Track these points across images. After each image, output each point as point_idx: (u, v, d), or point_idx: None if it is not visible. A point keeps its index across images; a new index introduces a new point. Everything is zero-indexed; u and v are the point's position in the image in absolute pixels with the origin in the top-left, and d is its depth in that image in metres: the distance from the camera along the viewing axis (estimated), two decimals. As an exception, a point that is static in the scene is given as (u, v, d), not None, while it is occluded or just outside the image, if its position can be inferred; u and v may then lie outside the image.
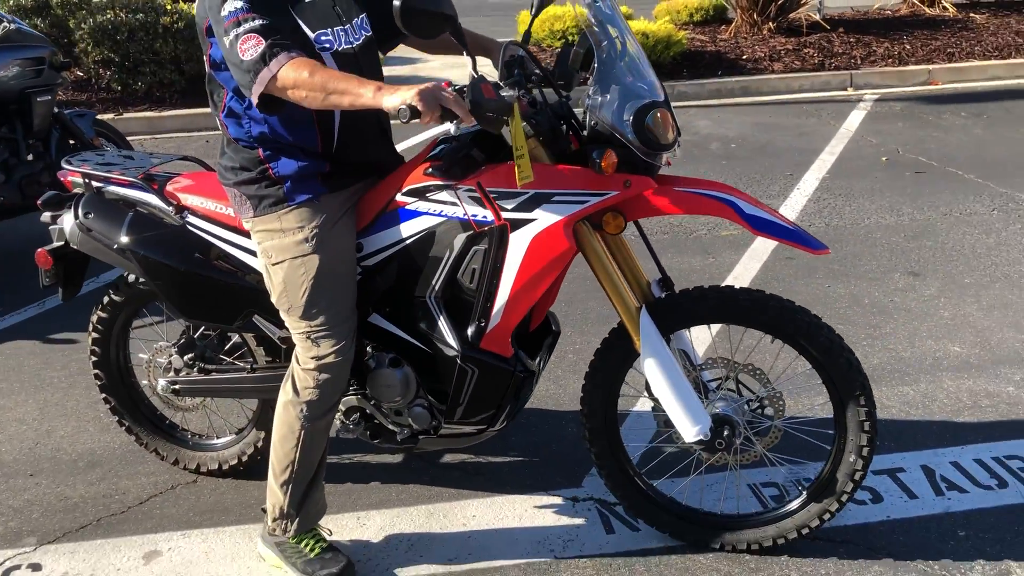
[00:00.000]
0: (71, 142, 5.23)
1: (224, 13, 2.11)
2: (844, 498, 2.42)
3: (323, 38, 2.26)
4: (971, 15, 10.57)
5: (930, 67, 9.00)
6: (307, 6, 2.27)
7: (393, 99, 2.03)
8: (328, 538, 2.55)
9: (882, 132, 7.17)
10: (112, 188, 2.75)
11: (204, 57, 2.34)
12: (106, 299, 2.87)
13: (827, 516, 2.45)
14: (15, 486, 2.97)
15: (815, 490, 2.46)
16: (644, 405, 2.97)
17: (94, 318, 2.90)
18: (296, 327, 2.38)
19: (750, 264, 4.59)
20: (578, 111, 2.34)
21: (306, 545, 2.49)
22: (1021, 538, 2.57)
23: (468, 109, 2.05)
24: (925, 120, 7.54)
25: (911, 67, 9.02)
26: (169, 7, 8.31)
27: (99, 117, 5.75)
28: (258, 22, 2.09)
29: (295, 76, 2.05)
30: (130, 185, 2.73)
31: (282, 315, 2.42)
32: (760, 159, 6.54)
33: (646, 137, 2.20)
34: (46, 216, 2.93)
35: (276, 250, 2.36)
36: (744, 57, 9.20)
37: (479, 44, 2.58)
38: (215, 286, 2.59)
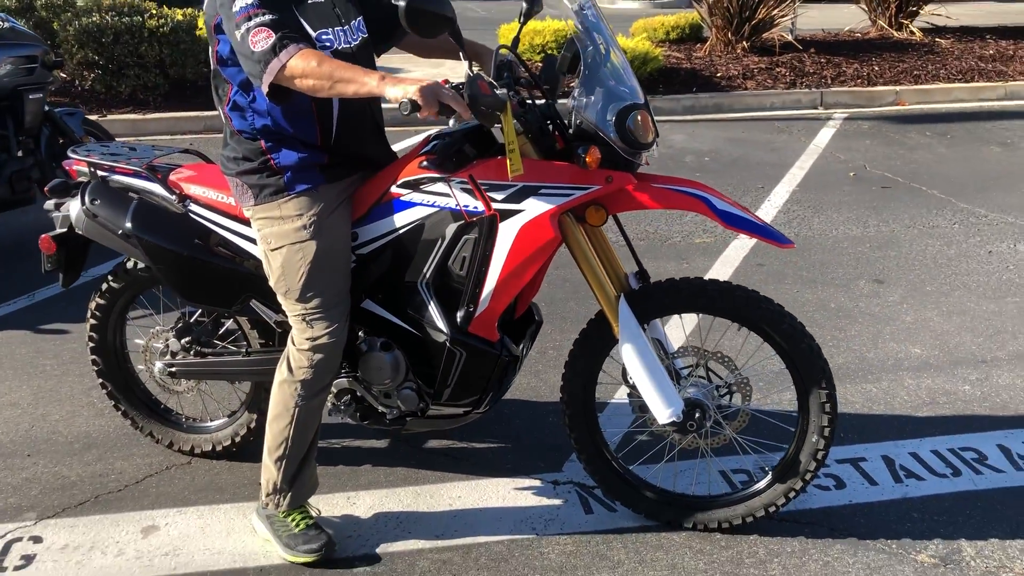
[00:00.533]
0: (60, 140, 5.31)
1: (236, 9, 2.25)
2: (808, 476, 2.58)
3: (324, 37, 2.41)
4: (936, 40, 10.91)
5: (897, 88, 9.29)
6: (309, 6, 2.41)
7: (395, 90, 2.18)
8: (315, 516, 2.67)
9: (850, 149, 7.41)
10: (117, 177, 2.86)
11: (211, 54, 2.47)
12: (104, 286, 2.98)
13: (792, 495, 2.61)
14: (12, 465, 3.06)
15: (780, 470, 2.62)
16: (620, 395, 3.12)
17: (92, 304, 3.00)
18: (292, 309, 2.51)
19: (722, 270, 4.77)
20: (563, 112, 2.50)
21: (293, 520, 2.61)
22: (972, 520, 2.75)
23: (466, 104, 2.19)
24: (891, 138, 7.80)
25: (879, 88, 9.31)
26: (155, 11, 8.39)
27: (88, 116, 5.83)
28: (268, 17, 2.23)
29: (303, 65, 2.19)
30: (134, 174, 2.84)
31: (279, 298, 2.55)
32: (733, 172, 6.74)
33: (627, 136, 2.36)
34: (49, 204, 3.03)
35: (275, 236, 2.49)
36: (719, 75, 9.43)
37: (472, 49, 2.74)
38: (215, 271, 2.71)
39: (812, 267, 4.81)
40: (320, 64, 2.20)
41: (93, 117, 7.26)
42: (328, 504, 2.81)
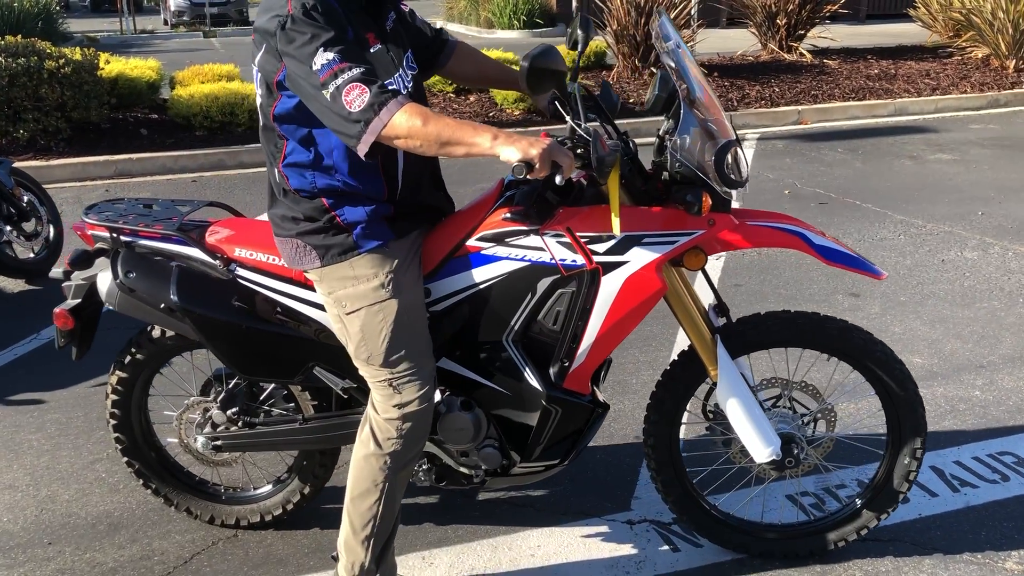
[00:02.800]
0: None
1: (317, 67, 2.05)
2: (900, 498, 2.61)
3: (390, 86, 2.26)
4: (825, 61, 11.49)
5: (799, 108, 9.71)
6: (373, 56, 2.26)
7: (511, 151, 2.04)
8: (404, 585, 2.51)
9: (776, 168, 7.68)
10: (144, 242, 2.60)
11: (266, 109, 2.26)
12: (127, 358, 2.70)
13: (884, 516, 2.63)
14: (35, 556, 2.75)
15: (872, 492, 2.63)
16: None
17: (113, 379, 2.72)
18: (376, 376, 2.33)
19: (700, 293, 4.80)
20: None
21: None
22: (1040, 524, 2.84)
23: (582, 162, 2.11)
24: (808, 156, 8.13)
25: (782, 108, 9.71)
26: (53, 51, 7.90)
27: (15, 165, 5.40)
28: (356, 71, 2.05)
29: (408, 125, 2.04)
30: (162, 238, 2.59)
31: (360, 365, 2.36)
32: (675, 195, 6.84)
33: (726, 175, 2.32)
34: (57, 272, 2.77)
35: (351, 298, 2.31)
36: (631, 100, 9.62)
37: (511, 77, 2.67)
38: (275, 340, 2.50)
39: (788, 285, 4.92)
40: (426, 123, 2.04)
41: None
42: (404, 567, 2.64)
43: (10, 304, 4.91)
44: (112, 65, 9.08)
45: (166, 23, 23.99)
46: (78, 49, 8.29)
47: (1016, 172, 7.40)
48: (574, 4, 16.30)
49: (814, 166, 7.72)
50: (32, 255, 5.19)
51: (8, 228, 5.03)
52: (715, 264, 5.21)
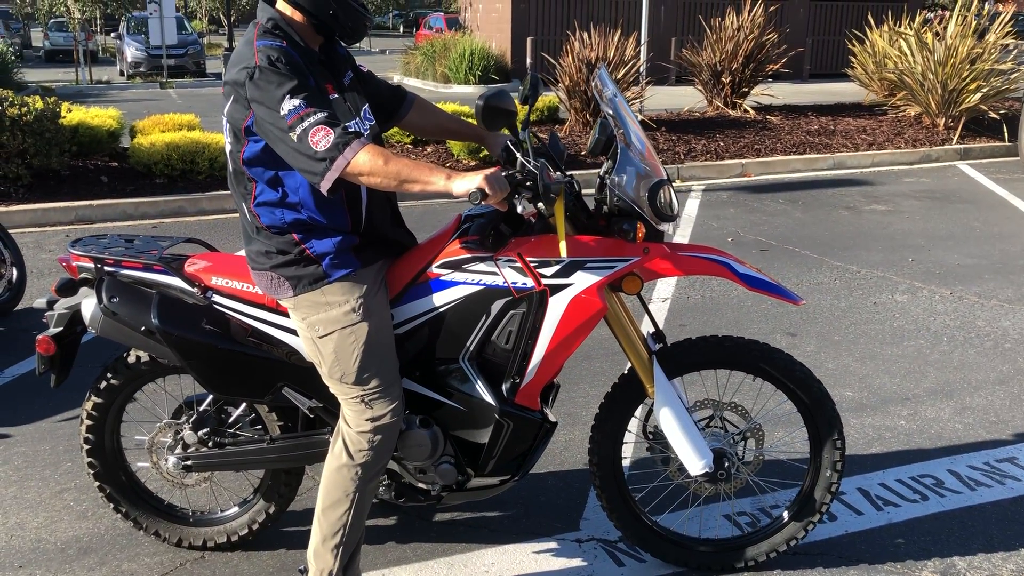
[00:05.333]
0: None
1: (284, 112, 2.27)
2: (823, 509, 2.83)
3: (351, 129, 2.48)
4: (768, 117, 12.00)
5: (743, 161, 10.13)
6: (333, 102, 2.50)
7: (463, 184, 2.28)
8: (367, 596, 2.66)
9: (720, 217, 8.02)
10: (126, 271, 2.78)
11: (235, 155, 2.46)
12: (103, 384, 2.85)
13: (810, 527, 2.84)
14: (6, 579, 2.86)
15: (798, 506, 2.85)
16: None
17: (88, 404, 2.87)
18: (349, 393, 2.52)
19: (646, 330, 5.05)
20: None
21: None
22: (954, 537, 3.09)
23: (539, 191, 2.34)
24: (751, 207, 8.49)
25: (727, 161, 10.12)
26: (14, 99, 8.01)
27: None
28: (321, 115, 2.28)
29: (371, 164, 2.26)
30: (144, 268, 2.77)
31: (332, 384, 2.55)
32: (624, 242, 7.12)
33: (659, 210, 2.58)
34: (41, 302, 2.91)
35: (323, 323, 2.50)
36: (583, 153, 9.96)
37: (476, 132, 2.91)
38: (248, 361, 2.67)
39: (729, 326, 5.19)
40: (387, 163, 2.27)
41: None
42: (365, 583, 2.79)
43: (-28, 344, 4.98)
44: (73, 114, 9.20)
45: (122, 74, 24.07)
46: (38, 97, 8.40)
47: (944, 222, 7.83)
48: (528, 61, 16.79)
49: (756, 216, 8.08)
50: (-6, 296, 5.28)
51: (-28, 270, 5.12)
52: (661, 306, 5.47)
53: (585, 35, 10.91)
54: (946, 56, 11.13)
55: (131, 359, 2.84)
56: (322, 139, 2.26)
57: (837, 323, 5.25)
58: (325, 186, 2.29)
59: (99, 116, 9.37)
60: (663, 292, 5.77)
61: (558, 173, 2.48)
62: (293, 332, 2.62)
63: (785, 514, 2.89)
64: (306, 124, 2.26)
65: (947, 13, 11.95)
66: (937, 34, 11.52)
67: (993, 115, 11.37)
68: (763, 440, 2.87)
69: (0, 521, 3.18)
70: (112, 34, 30.70)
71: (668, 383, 2.71)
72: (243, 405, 2.90)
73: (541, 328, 2.57)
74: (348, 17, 2.47)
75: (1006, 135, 11.22)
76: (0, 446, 3.73)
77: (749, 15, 11.98)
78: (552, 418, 2.77)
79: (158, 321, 2.62)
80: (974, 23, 11.31)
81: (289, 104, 2.28)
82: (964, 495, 3.34)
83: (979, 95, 11.11)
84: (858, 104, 13.61)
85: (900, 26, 12.50)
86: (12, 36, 31.72)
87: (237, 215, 2.61)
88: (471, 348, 2.61)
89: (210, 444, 2.87)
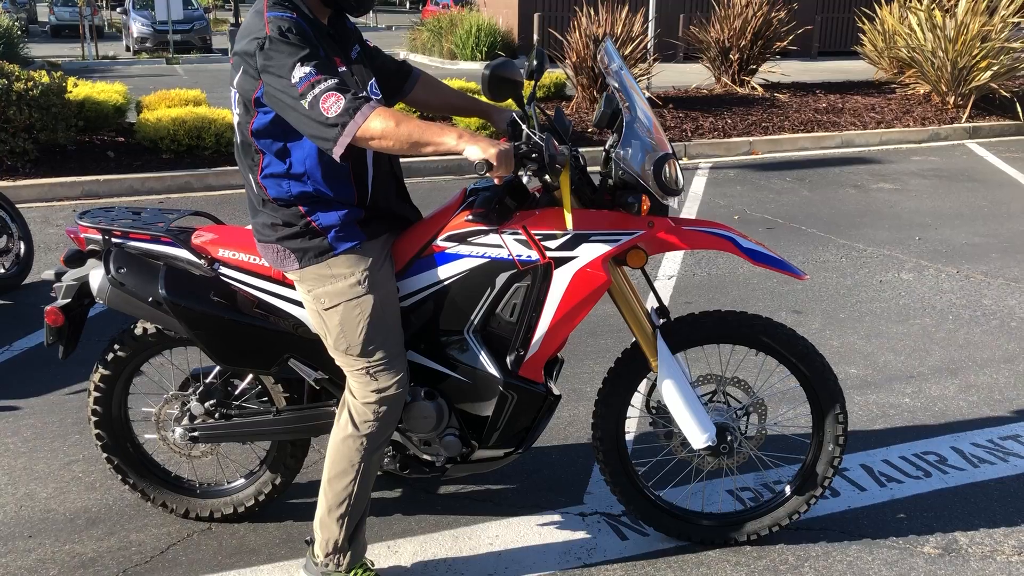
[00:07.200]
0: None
1: (295, 80, 2.27)
2: (826, 483, 2.84)
3: (361, 94, 2.49)
4: (776, 94, 11.93)
5: (750, 139, 10.09)
6: (341, 75, 2.49)
7: (474, 149, 2.27)
8: (375, 569, 2.68)
9: (727, 195, 8.00)
10: (133, 243, 2.79)
11: (244, 127, 2.47)
12: (110, 355, 2.87)
13: (813, 501, 2.86)
14: (16, 548, 2.88)
15: (800, 480, 2.87)
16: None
17: (96, 376, 2.89)
18: (355, 365, 2.54)
19: (650, 306, 5.05)
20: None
21: None
22: (957, 513, 3.10)
23: (544, 162, 2.34)
24: (758, 184, 8.47)
25: (734, 139, 10.08)
26: (21, 74, 8.00)
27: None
28: (331, 81, 2.28)
29: (383, 127, 2.26)
30: (152, 239, 2.78)
31: (337, 356, 2.56)
32: (630, 219, 7.12)
33: (663, 183, 2.58)
34: (49, 273, 2.93)
35: (329, 295, 2.51)
36: (589, 130, 9.93)
37: (482, 107, 2.90)
38: (255, 332, 2.69)
39: (735, 303, 5.19)
40: (399, 125, 2.26)
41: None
42: (371, 555, 2.81)
43: (-19, 318, 5.01)
44: (79, 89, 9.19)
45: (128, 49, 24.02)
46: (44, 72, 8.39)
47: (951, 201, 7.80)
48: (535, 36, 16.70)
49: (763, 194, 8.06)
50: (3, 271, 5.30)
51: (-21, 244, 5.14)
52: (666, 283, 5.47)
53: (592, 11, 10.84)
54: (956, 33, 11.04)
55: (138, 331, 2.86)
56: (333, 105, 2.25)
57: (843, 301, 5.25)
58: (338, 152, 2.28)
59: (105, 91, 9.36)
60: (668, 269, 5.77)
61: (563, 147, 2.48)
62: (299, 304, 2.63)
63: (788, 488, 2.90)
64: (317, 91, 2.26)
65: (958, -10, 11.83)
66: (947, 11, 11.42)
67: (1004, 93, 11.30)
68: (766, 415, 2.88)
69: (10, 492, 3.22)
70: (118, 9, 30.64)
71: (672, 357, 2.71)
72: (249, 377, 2.92)
73: (545, 301, 2.57)
74: None
75: (1019, 113, 11.14)
76: (9, 418, 3.76)
77: (758, -9, 11.90)
78: (556, 391, 2.78)
79: (165, 292, 2.64)
80: (984, 0, 11.21)
81: (300, 72, 2.27)
82: (967, 472, 3.35)
83: (989, 73, 11.03)
84: (867, 82, 13.53)
85: (910, 2, 12.39)
86: (18, 11, 31.67)
87: (243, 191, 2.62)
88: (476, 321, 2.62)
89: (216, 416, 2.89)
